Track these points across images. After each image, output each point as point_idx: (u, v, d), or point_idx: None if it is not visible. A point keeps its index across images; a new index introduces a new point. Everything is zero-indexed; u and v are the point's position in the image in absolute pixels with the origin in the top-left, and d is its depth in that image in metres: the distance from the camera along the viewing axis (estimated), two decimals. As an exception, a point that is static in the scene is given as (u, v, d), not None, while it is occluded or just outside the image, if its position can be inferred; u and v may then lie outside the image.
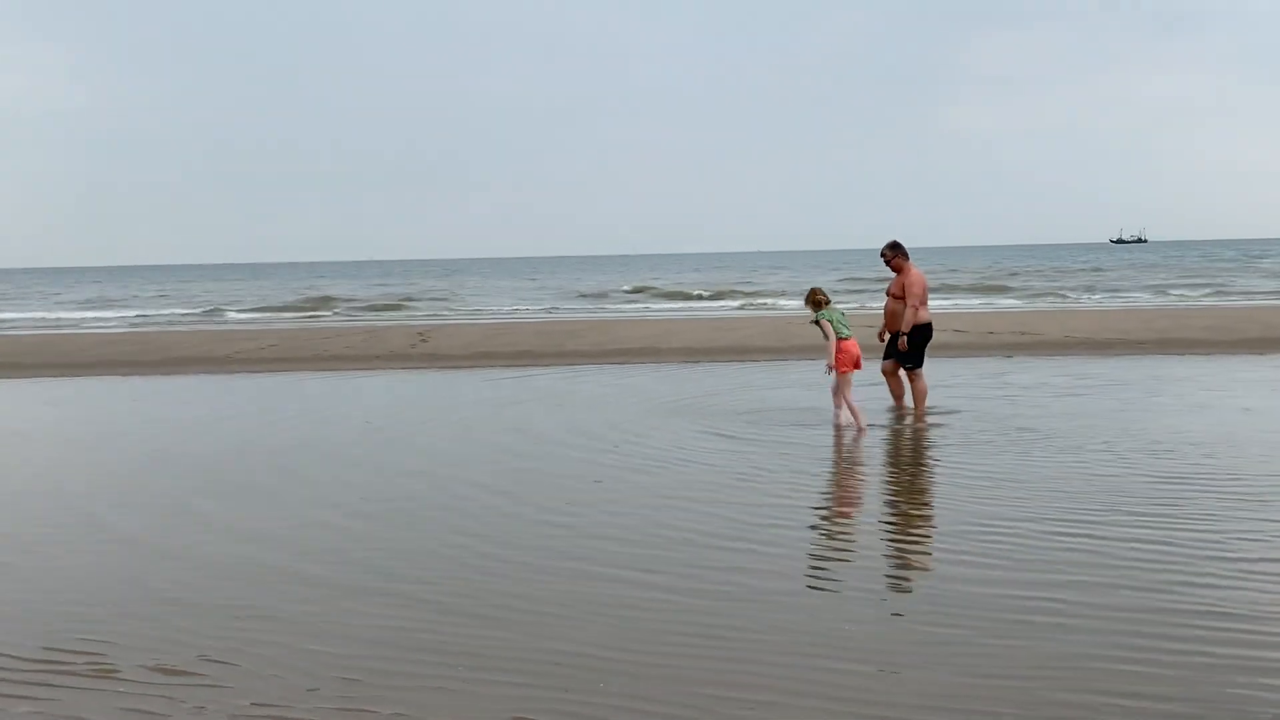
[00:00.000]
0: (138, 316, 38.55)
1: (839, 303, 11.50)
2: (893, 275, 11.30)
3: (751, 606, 5.18)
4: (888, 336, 11.31)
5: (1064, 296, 38.25)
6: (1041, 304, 34.78)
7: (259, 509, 7.55)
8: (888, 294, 11.40)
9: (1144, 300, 35.49)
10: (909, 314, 10.91)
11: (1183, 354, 16.73)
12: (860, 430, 10.08)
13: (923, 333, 11.04)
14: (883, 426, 10.40)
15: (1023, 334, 19.72)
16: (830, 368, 10.38)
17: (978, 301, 36.52)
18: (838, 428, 10.24)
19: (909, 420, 10.68)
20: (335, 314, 38.11)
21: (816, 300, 10.61)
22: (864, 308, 28.94)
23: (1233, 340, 18.26)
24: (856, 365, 10.46)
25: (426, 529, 6.85)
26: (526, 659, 4.58)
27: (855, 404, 10.37)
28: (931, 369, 11.75)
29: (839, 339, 10.36)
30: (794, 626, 4.90)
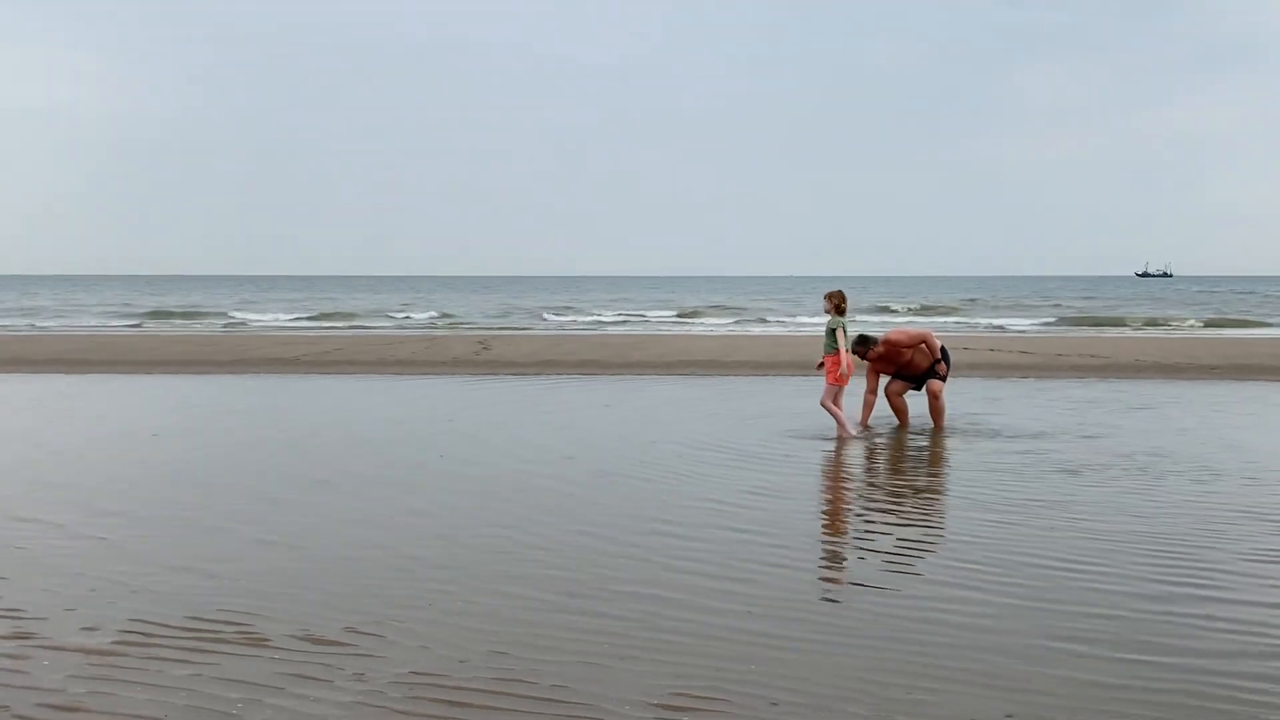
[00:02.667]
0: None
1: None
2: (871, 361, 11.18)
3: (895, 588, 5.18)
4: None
5: (1119, 323, 37.85)
6: (1094, 329, 34.43)
7: (390, 491, 7.65)
8: (898, 366, 11.08)
9: (1183, 328, 35.05)
10: (936, 345, 11.04)
11: (1257, 379, 16.49)
12: (845, 437, 10.23)
13: (945, 354, 11.16)
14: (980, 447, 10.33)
15: (1091, 356, 19.54)
16: (837, 371, 10.40)
17: (1034, 324, 36.21)
18: (841, 439, 10.25)
19: (939, 437, 10.48)
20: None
21: (839, 307, 10.56)
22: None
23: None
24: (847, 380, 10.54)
25: (557, 514, 6.91)
26: (668, 638, 4.60)
27: (840, 412, 10.47)
28: (1011, 389, 11.65)
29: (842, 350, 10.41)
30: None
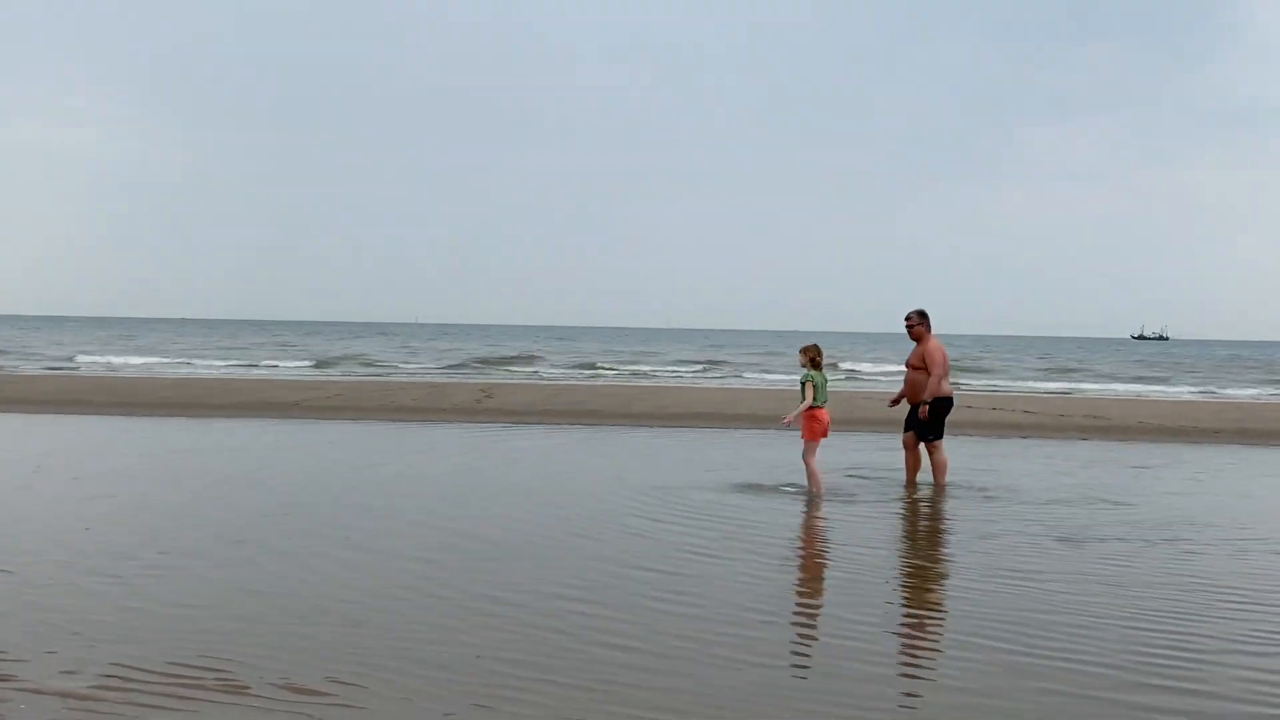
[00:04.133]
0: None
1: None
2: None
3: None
4: (905, 406, 11.21)
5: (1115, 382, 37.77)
6: (1090, 390, 34.33)
7: (378, 535, 7.58)
8: (907, 365, 11.22)
9: (1182, 391, 34.95)
10: (933, 383, 10.76)
11: (1261, 444, 16.40)
12: (817, 496, 9.98)
13: (944, 404, 10.87)
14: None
15: (1095, 418, 19.47)
16: (789, 423, 10.29)
17: (1044, 384, 36.08)
18: (816, 496, 10.07)
19: (928, 494, 10.40)
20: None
21: (814, 360, 10.38)
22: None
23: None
24: (824, 434, 10.32)
25: (545, 564, 6.84)
26: (656, 695, 4.52)
27: (818, 471, 10.25)
28: (1010, 448, 11.59)
29: (815, 406, 10.21)
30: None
